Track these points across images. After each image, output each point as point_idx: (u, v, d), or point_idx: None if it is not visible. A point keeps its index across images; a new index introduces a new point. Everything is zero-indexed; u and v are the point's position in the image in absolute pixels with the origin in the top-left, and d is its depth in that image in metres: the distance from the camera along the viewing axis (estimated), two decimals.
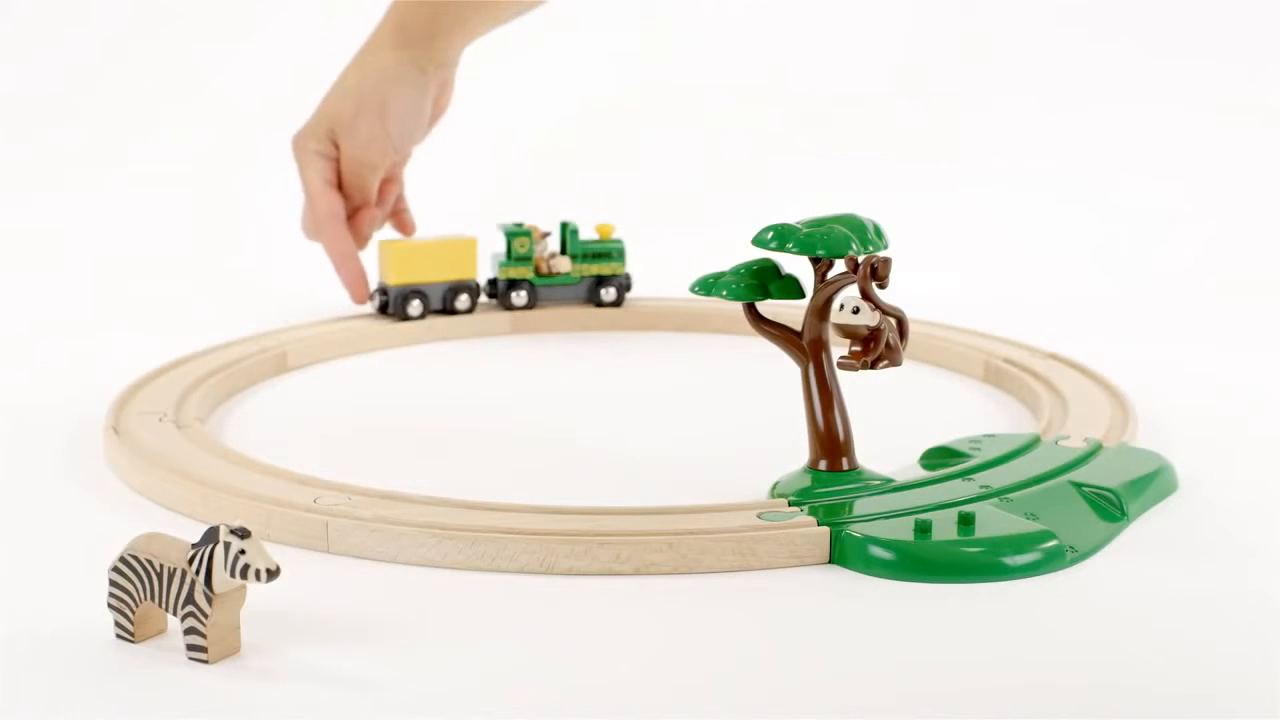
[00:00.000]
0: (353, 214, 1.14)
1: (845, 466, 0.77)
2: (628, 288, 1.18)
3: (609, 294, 1.16)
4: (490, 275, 1.17)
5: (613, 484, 0.81)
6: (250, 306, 1.18)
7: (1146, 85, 1.61)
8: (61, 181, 1.50)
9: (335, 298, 1.17)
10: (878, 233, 0.75)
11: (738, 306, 0.77)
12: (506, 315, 1.15)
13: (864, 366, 0.73)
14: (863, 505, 0.72)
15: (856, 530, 0.69)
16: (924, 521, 0.69)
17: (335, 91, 1.10)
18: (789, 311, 0.78)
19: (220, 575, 0.58)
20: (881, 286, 0.73)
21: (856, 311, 0.73)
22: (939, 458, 0.82)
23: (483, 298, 1.17)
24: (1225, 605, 0.66)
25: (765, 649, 0.62)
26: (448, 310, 1.14)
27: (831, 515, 0.71)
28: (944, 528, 0.69)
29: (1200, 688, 0.58)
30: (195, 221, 1.46)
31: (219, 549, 0.58)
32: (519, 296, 1.15)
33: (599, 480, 0.81)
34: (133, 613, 0.60)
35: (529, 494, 0.74)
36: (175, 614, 0.59)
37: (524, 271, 1.15)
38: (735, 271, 0.76)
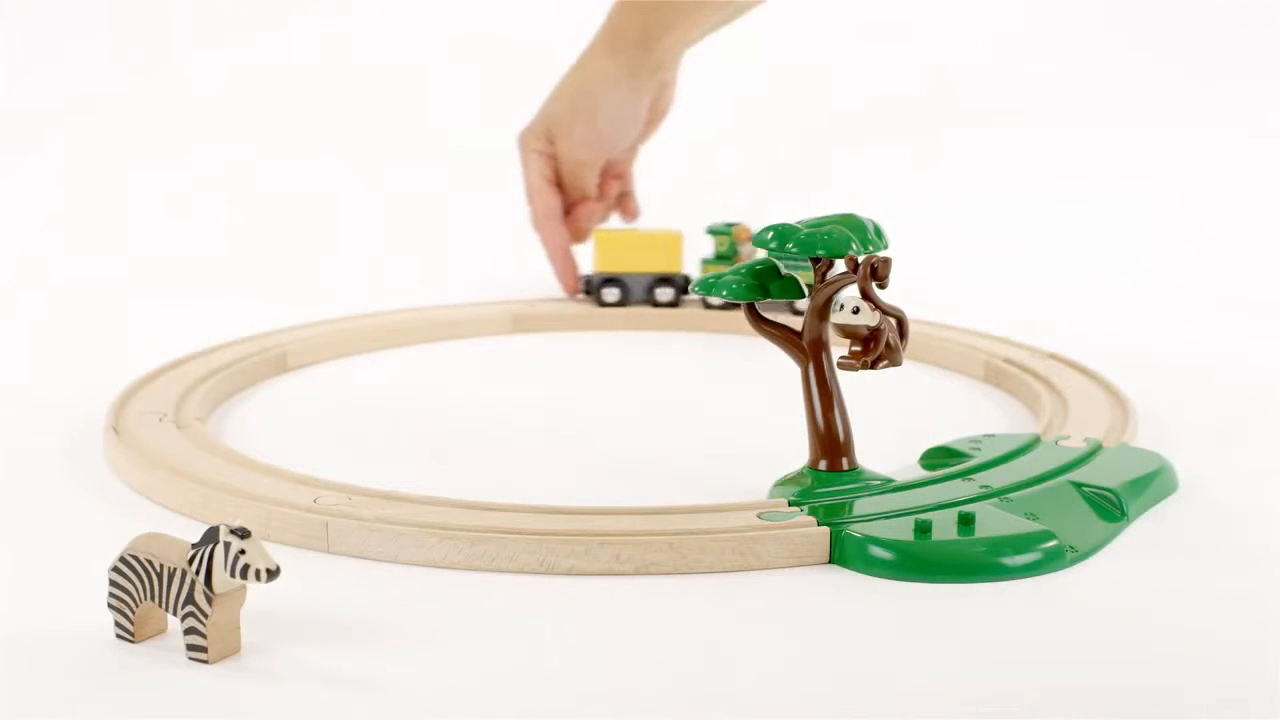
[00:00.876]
0: (572, 208, 1.19)
1: (845, 466, 0.76)
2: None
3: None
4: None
5: (613, 484, 0.81)
6: (250, 306, 1.18)
7: (1147, 84, 1.61)
8: (61, 181, 1.50)
9: (335, 298, 1.17)
10: (878, 233, 0.75)
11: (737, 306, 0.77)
12: (507, 315, 1.15)
13: (864, 366, 0.73)
14: (863, 505, 0.72)
15: (856, 530, 0.69)
16: (924, 521, 0.69)
17: (555, 93, 1.17)
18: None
19: (220, 575, 0.58)
20: (881, 286, 0.72)
21: (856, 311, 0.73)
22: (939, 458, 0.82)
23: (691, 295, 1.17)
24: (1225, 605, 0.66)
25: (765, 649, 0.62)
26: (650, 302, 1.16)
27: (831, 515, 0.71)
28: (944, 528, 0.69)
29: (1200, 688, 0.58)
30: (195, 221, 1.46)
31: (219, 549, 0.58)
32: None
33: (599, 480, 0.81)
34: (133, 613, 0.60)
35: (529, 494, 0.74)
36: (175, 614, 0.59)
37: (717, 269, 1.09)
38: (735, 271, 0.76)
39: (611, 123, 1.15)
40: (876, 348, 0.73)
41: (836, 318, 0.74)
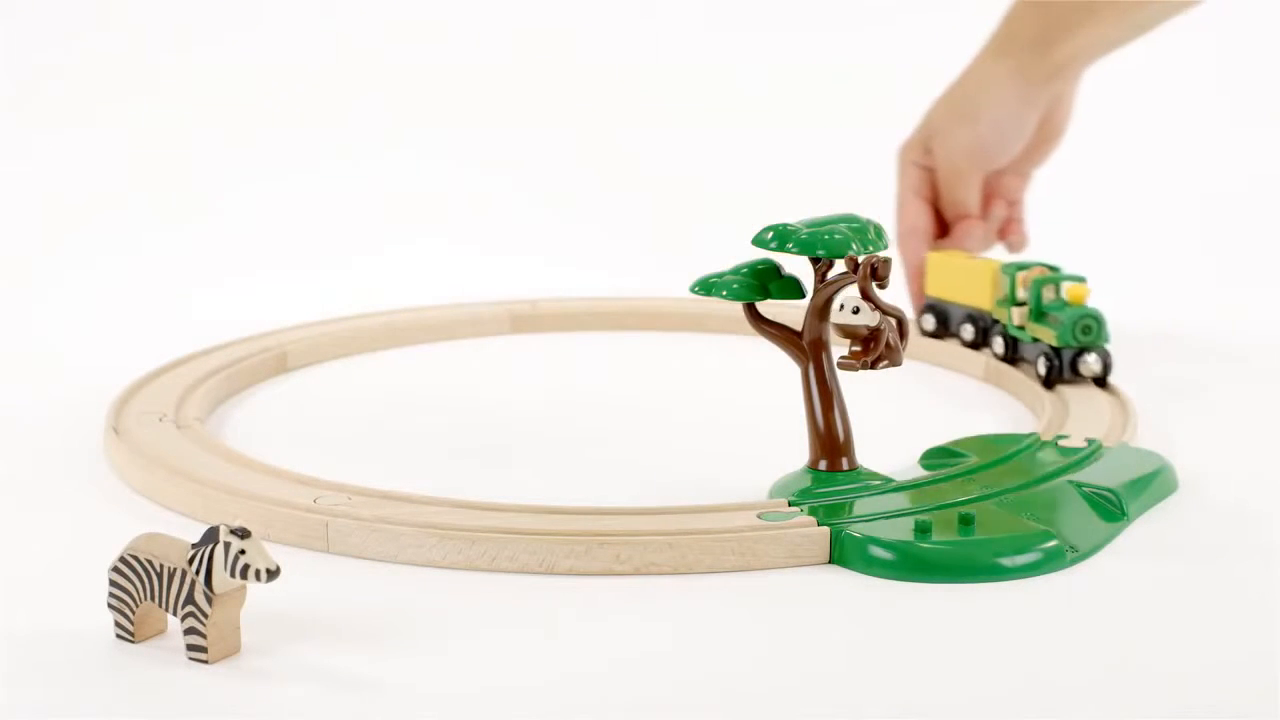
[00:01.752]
0: (950, 227, 1.10)
1: (845, 466, 0.76)
2: (1107, 367, 0.93)
3: (1089, 364, 0.92)
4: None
5: (613, 484, 0.81)
6: (250, 306, 1.18)
7: (1148, 84, 1.61)
8: (61, 180, 1.50)
9: (335, 298, 1.17)
10: (878, 233, 0.75)
11: (737, 306, 0.77)
12: (507, 315, 1.15)
13: (864, 366, 0.73)
14: (863, 505, 0.72)
15: (856, 530, 0.69)
16: (924, 522, 0.69)
17: (939, 100, 1.09)
18: (789, 311, 0.78)
19: (220, 575, 0.58)
20: (882, 286, 0.73)
21: (856, 311, 0.73)
22: (939, 458, 0.82)
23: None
24: (1225, 605, 0.66)
25: (765, 649, 0.62)
26: (963, 338, 1.03)
27: (831, 515, 0.71)
28: (944, 528, 0.69)
29: (1200, 687, 0.58)
30: (195, 221, 1.46)
31: (219, 549, 0.58)
32: (996, 343, 0.99)
33: (599, 480, 0.81)
34: (133, 613, 0.60)
35: (529, 494, 0.74)
36: (175, 614, 0.59)
37: (1003, 315, 0.98)
38: (735, 271, 0.76)
39: (994, 128, 1.05)
40: (876, 348, 0.73)
41: (836, 318, 0.74)
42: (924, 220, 1.09)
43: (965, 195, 1.08)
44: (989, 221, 1.10)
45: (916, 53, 1.66)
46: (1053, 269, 0.96)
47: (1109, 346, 0.93)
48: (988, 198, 1.10)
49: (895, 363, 0.73)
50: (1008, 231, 1.11)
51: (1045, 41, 1.03)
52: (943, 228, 1.10)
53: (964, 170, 1.07)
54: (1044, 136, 1.08)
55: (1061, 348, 0.92)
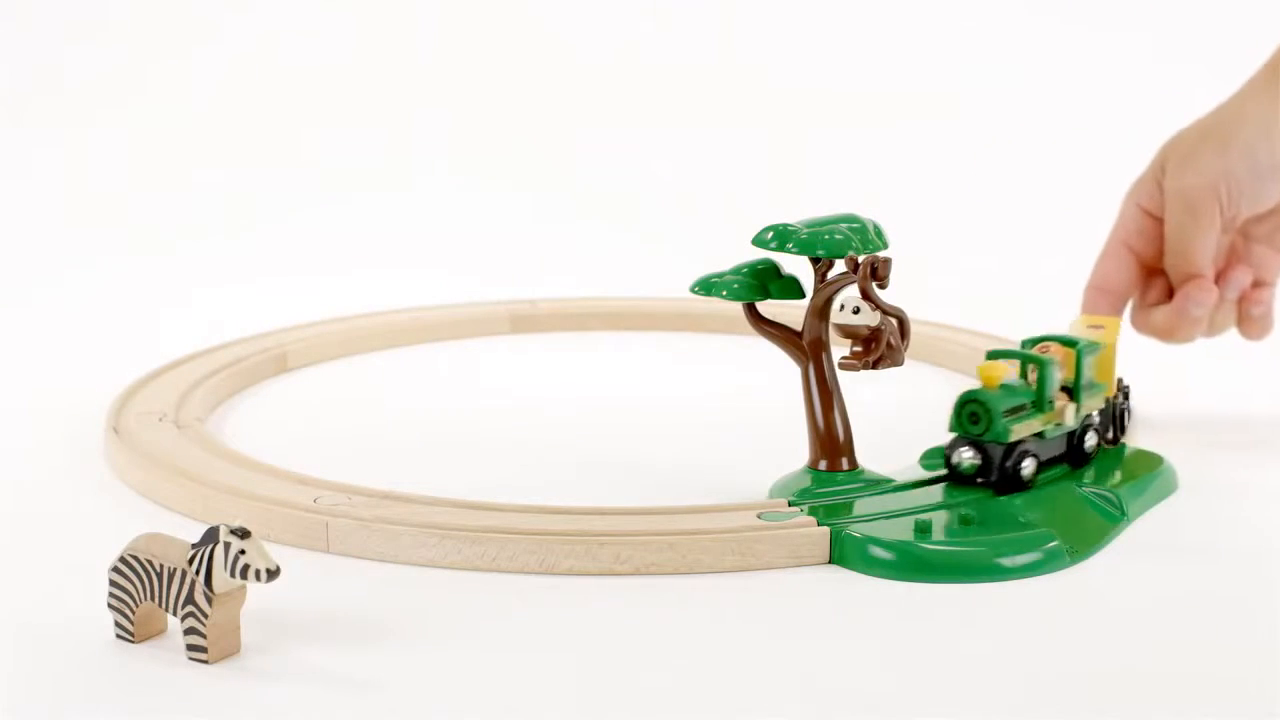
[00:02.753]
0: (1173, 290, 0.88)
1: (845, 466, 0.77)
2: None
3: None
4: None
5: (613, 484, 0.81)
6: (250, 306, 1.18)
7: (1150, 82, 1.61)
8: (61, 181, 1.50)
9: (335, 298, 1.17)
10: (878, 233, 0.75)
11: (737, 306, 0.77)
12: (507, 315, 1.15)
13: (865, 367, 0.73)
14: (863, 505, 0.72)
15: (856, 530, 0.69)
16: (924, 521, 0.69)
17: (1182, 130, 0.89)
18: (789, 311, 0.78)
19: (220, 575, 0.58)
20: (882, 286, 0.73)
21: (857, 311, 0.73)
22: (939, 458, 0.81)
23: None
24: (1225, 605, 0.66)
25: (765, 649, 0.62)
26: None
27: (831, 515, 0.71)
28: (944, 528, 0.69)
29: (1200, 688, 0.58)
30: (196, 221, 1.46)
31: (219, 549, 0.58)
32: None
33: (599, 480, 0.81)
34: (133, 613, 0.60)
35: (529, 494, 0.74)
36: (175, 614, 0.59)
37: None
38: (735, 271, 0.76)
39: (1247, 157, 0.84)
40: (878, 348, 0.73)
41: (837, 318, 0.74)
42: (1123, 277, 0.89)
43: (1196, 246, 0.85)
44: (1225, 291, 0.87)
45: (917, 53, 1.66)
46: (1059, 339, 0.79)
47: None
48: (1229, 264, 0.88)
49: (897, 363, 0.73)
50: (1248, 307, 0.88)
51: None
52: (1163, 292, 0.89)
53: (1199, 210, 0.84)
54: None
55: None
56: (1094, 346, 0.78)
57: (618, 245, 1.37)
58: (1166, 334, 0.88)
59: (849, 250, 0.72)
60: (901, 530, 0.69)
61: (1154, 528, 0.74)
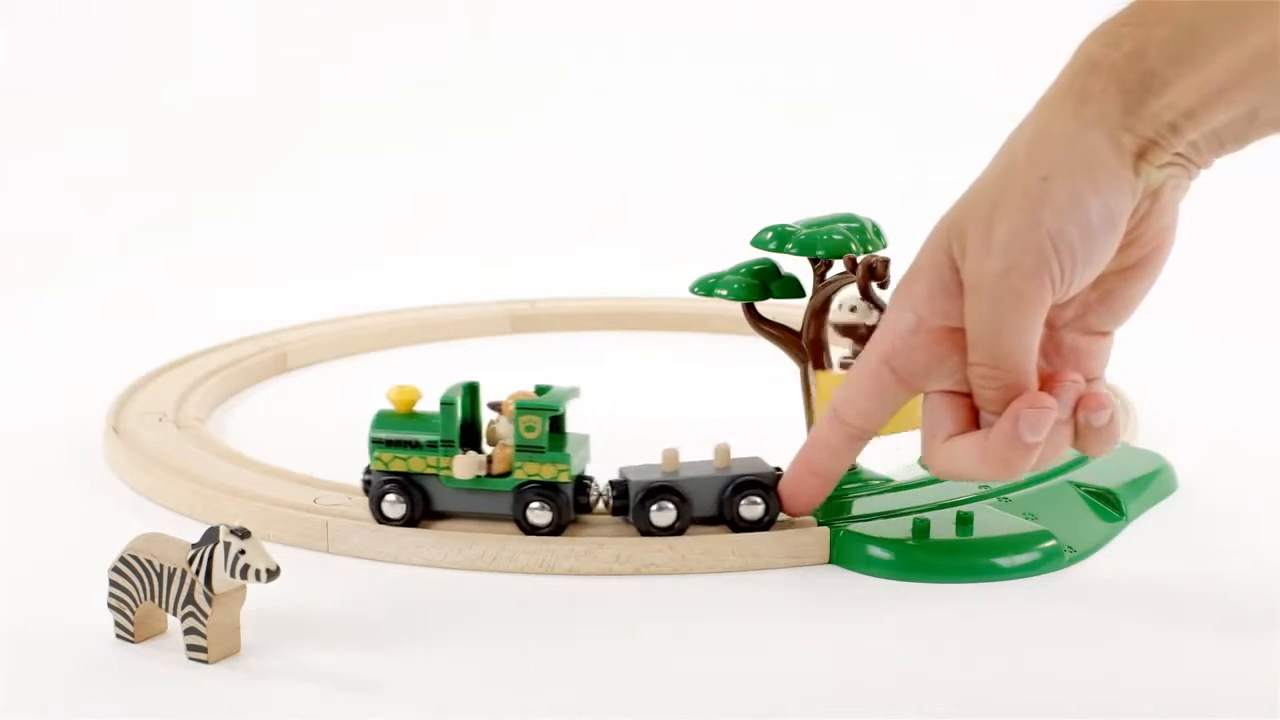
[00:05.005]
0: (965, 418, 0.64)
1: None
2: (580, 499, 0.70)
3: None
4: None
5: None
6: (250, 306, 1.18)
7: None
8: (61, 181, 1.50)
9: (335, 298, 1.17)
10: (876, 232, 0.75)
11: (738, 306, 0.77)
12: (507, 315, 1.15)
13: None
14: (862, 505, 0.72)
15: (856, 530, 0.69)
16: (922, 521, 0.69)
17: (975, 184, 0.63)
18: (789, 311, 0.78)
19: (220, 575, 0.58)
20: (882, 286, 0.73)
21: (854, 310, 0.73)
22: None
23: None
24: (1224, 605, 0.66)
25: (765, 649, 0.62)
26: None
27: (831, 515, 0.71)
28: (943, 528, 0.69)
29: (1199, 688, 0.58)
30: (196, 221, 1.46)
31: (219, 549, 0.58)
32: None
33: (599, 480, 0.81)
34: (133, 613, 0.60)
35: None
36: (175, 614, 0.59)
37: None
38: (735, 271, 0.76)
39: (1079, 213, 0.59)
40: None
41: (835, 317, 0.74)
42: (885, 411, 0.66)
43: (1021, 345, 0.61)
44: (1062, 400, 0.62)
45: (918, 52, 1.66)
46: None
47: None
48: (1056, 367, 0.65)
49: None
50: (1084, 417, 0.63)
51: (1145, 81, 0.59)
52: (962, 419, 0.64)
53: (1025, 294, 0.60)
54: (1134, 251, 0.64)
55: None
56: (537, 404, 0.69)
57: (618, 245, 1.37)
58: (989, 471, 0.62)
59: (848, 250, 0.72)
60: (900, 530, 0.69)
61: (1153, 528, 0.74)
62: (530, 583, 0.67)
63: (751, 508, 0.69)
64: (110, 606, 0.61)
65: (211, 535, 0.58)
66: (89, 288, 1.28)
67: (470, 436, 0.70)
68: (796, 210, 0.79)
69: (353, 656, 0.60)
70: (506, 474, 0.68)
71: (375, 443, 0.69)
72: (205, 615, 0.58)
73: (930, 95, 1.66)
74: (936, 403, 0.64)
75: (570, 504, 0.69)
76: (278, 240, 1.39)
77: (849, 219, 0.74)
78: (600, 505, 0.70)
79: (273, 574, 0.58)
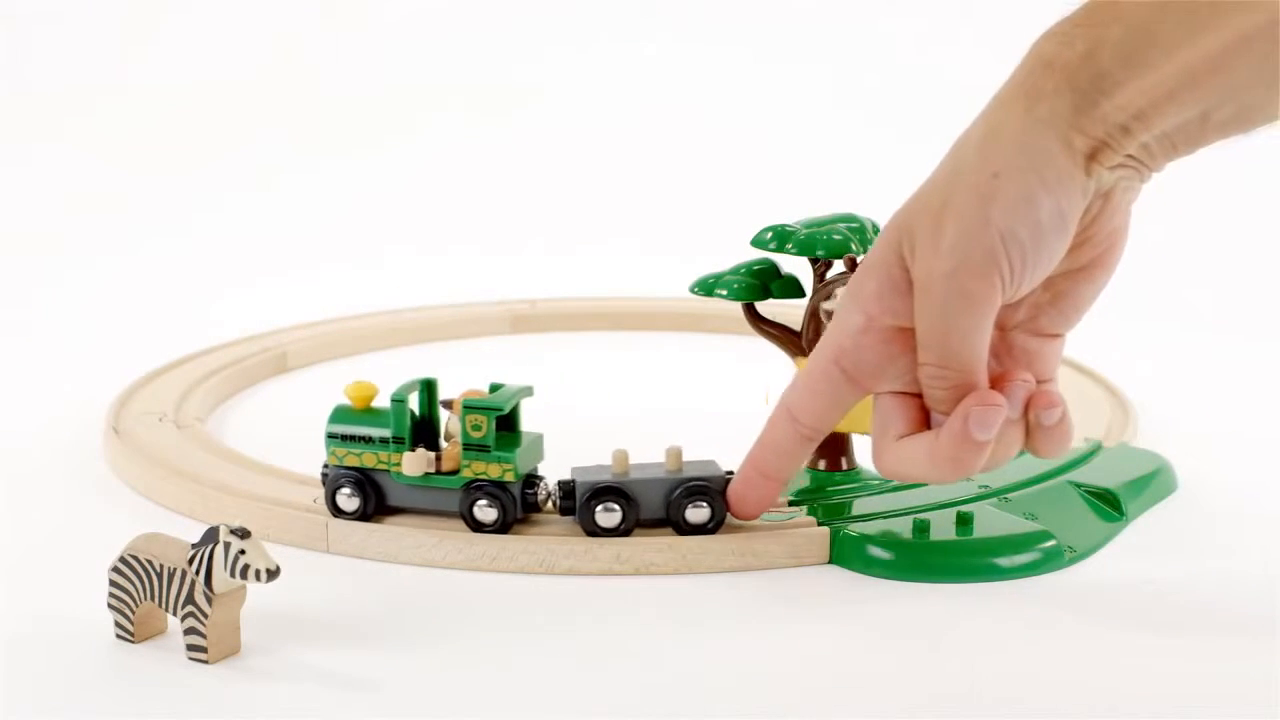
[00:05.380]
0: (915, 419, 0.64)
1: (845, 466, 0.77)
2: (527, 500, 0.70)
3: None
4: None
5: None
6: (250, 306, 1.18)
7: None
8: (62, 181, 1.50)
9: (335, 298, 1.17)
10: (876, 232, 0.75)
11: (737, 306, 0.77)
12: (507, 315, 1.15)
13: None
14: (862, 505, 0.72)
15: (855, 530, 0.69)
16: (922, 521, 0.69)
17: (925, 183, 0.63)
18: (789, 311, 0.78)
19: (220, 575, 0.58)
20: None
21: None
22: None
23: None
24: (1224, 605, 0.66)
25: (765, 649, 0.62)
26: None
27: (831, 515, 0.71)
28: (942, 528, 0.69)
29: (1199, 688, 0.58)
30: (195, 221, 1.46)
31: (219, 549, 0.58)
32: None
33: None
34: (133, 613, 0.60)
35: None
36: (175, 614, 0.59)
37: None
38: (735, 271, 0.76)
39: (1030, 213, 0.59)
40: None
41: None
42: (836, 409, 0.65)
43: (972, 342, 0.61)
44: (1011, 398, 0.62)
45: (919, 52, 1.66)
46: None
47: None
48: (1006, 365, 0.65)
49: None
50: (1035, 415, 0.63)
51: (1097, 81, 0.59)
52: (911, 420, 0.64)
53: (975, 292, 0.60)
54: (1086, 252, 0.63)
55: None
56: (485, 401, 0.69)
57: (618, 245, 1.37)
58: (939, 471, 0.62)
59: (848, 250, 0.73)
60: (900, 530, 0.69)
61: (1153, 528, 0.74)
62: (530, 583, 0.67)
63: (696, 512, 0.69)
64: (110, 606, 0.61)
65: (211, 535, 0.58)
66: (89, 288, 1.28)
67: (427, 433, 0.71)
68: (796, 210, 0.79)
69: (353, 656, 0.60)
70: (455, 472, 0.69)
71: (331, 437, 0.70)
72: (205, 615, 0.58)
73: (931, 95, 1.66)
74: (886, 404, 0.64)
75: (517, 503, 0.69)
76: (278, 240, 1.39)
77: (849, 219, 0.75)
78: (549, 505, 0.70)
79: (273, 574, 0.58)
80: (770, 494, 0.68)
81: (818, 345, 0.65)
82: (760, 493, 0.68)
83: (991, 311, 0.60)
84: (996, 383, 0.62)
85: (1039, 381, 0.64)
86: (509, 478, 0.68)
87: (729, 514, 0.69)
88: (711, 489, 0.69)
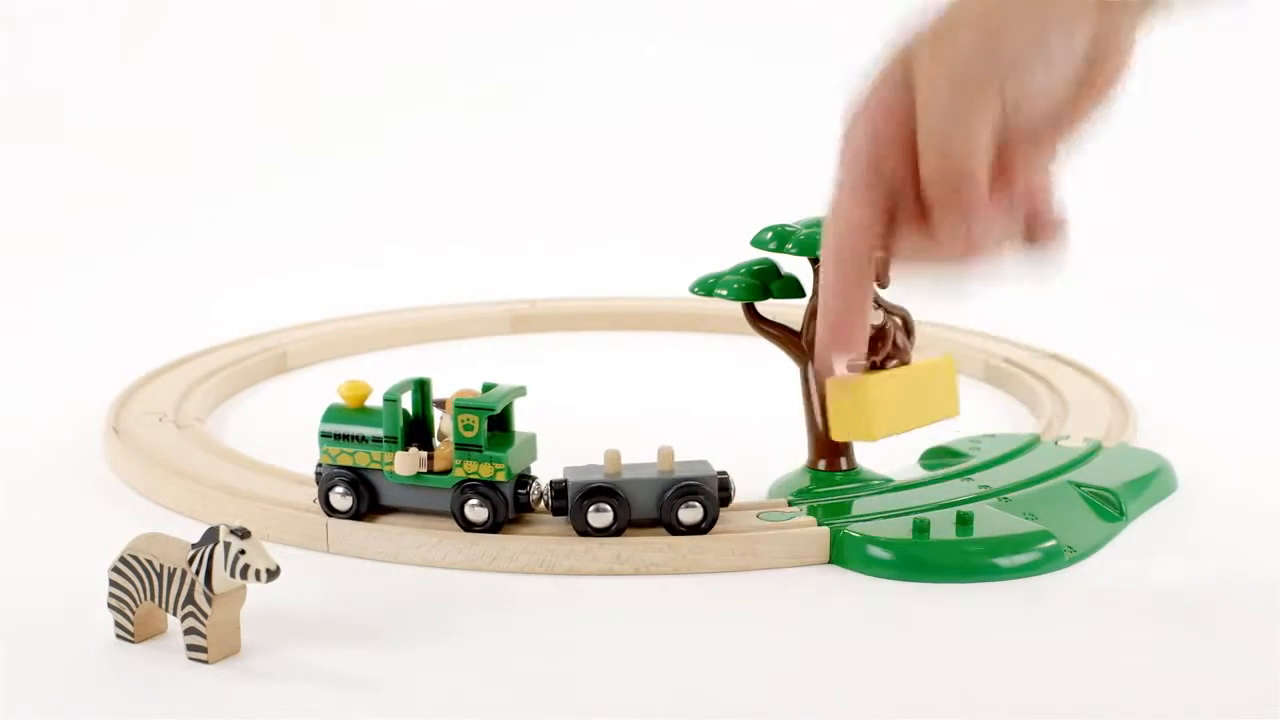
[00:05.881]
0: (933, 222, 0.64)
1: (845, 466, 0.77)
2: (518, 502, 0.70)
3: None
4: None
5: None
6: (250, 306, 1.18)
7: (1150, 84, 1.60)
8: (62, 181, 1.50)
9: (335, 298, 1.17)
10: None
11: (737, 306, 0.77)
12: (507, 315, 1.15)
13: (873, 367, 0.73)
14: (862, 505, 0.72)
15: (856, 530, 0.69)
16: (922, 521, 0.69)
17: (934, 12, 0.64)
18: (789, 311, 0.78)
19: (220, 575, 0.58)
20: (882, 286, 0.72)
21: None
22: (938, 457, 0.82)
23: None
24: (1224, 605, 0.66)
25: (765, 649, 0.62)
26: None
27: (831, 515, 0.71)
28: (942, 528, 0.69)
29: (1199, 688, 0.59)
30: (195, 221, 1.46)
31: (219, 549, 0.58)
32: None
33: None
34: (133, 613, 0.60)
35: None
36: (175, 614, 0.59)
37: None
38: (735, 271, 0.76)
39: (1021, 44, 0.60)
40: (884, 347, 0.73)
41: None
42: (865, 215, 0.66)
43: (968, 134, 0.61)
44: (1009, 216, 0.64)
45: None
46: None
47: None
48: (1003, 181, 0.64)
49: (905, 361, 0.73)
50: (1034, 208, 0.65)
51: None
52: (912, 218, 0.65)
53: (971, 87, 0.61)
54: (1088, 86, 0.63)
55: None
56: (478, 401, 0.69)
57: (618, 245, 1.37)
58: (942, 245, 0.63)
59: None
60: (900, 530, 0.69)
61: (1153, 528, 0.74)
62: (530, 583, 0.67)
63: (690, 512, 0.69)
64: (110, 606, 0.61)
65: (211, 535, 0.58)
66: (89, 288, 1.28)
67: (421, 433, 0.71)
68: (796, 210, 0.79)
69: (353, 656, 0.60)
70: (448, 471, 0.69)
71: (324, 436, 0.70)
72: (205, 615, 0.58)
73: None
74: (864, 212, 0.66)
75: (508, 502, 0.69)
76: (277, 240, 1.39)
77: None
78: (541, 505, 0.70)
79: (273, 574, 0.58)
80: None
81: (837, 185, 0.67)
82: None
83: (986, 106, 0.61)
84: (997, 185, 0.63)
85: (1037, 189, 0.65)
86: (501, 477, 0.68)
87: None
88: (704, 489, 0.69)
